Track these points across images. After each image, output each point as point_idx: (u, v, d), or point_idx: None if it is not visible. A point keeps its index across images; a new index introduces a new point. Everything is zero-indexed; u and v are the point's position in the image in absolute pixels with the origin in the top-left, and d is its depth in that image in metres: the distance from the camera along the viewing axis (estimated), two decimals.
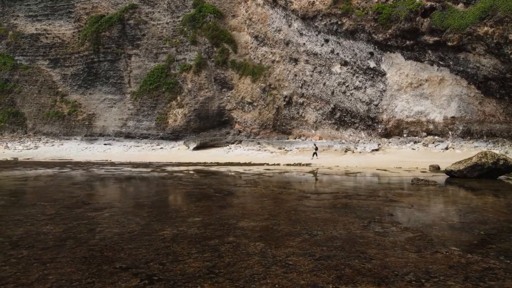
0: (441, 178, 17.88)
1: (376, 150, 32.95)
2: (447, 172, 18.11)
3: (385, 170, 23.33)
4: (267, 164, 29.39)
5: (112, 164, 31.29)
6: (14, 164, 31.81)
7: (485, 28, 26.57)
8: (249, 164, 29.85)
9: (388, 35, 33.92)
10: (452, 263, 5.12)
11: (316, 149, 33.38)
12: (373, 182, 17.18)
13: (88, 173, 22.45)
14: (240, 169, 25.16)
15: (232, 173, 21.89)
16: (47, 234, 7.42)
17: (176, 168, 26.15)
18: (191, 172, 23.40)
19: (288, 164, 29.02)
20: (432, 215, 8.88)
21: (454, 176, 17.61)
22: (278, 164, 29.27)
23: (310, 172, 22.57)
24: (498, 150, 27.14)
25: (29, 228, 8.02)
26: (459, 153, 29.19)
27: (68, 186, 16.09)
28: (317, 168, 25.15)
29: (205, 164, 30.65)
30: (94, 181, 17.77)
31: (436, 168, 23.07)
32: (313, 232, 7.12)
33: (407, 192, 12.82)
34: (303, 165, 28.47)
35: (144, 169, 25.37)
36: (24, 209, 10.22)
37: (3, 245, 6.71)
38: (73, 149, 44.18)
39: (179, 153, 39.29)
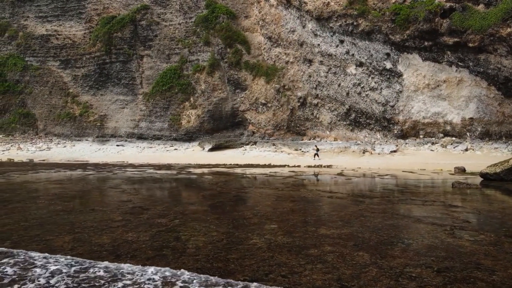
0: (476, 180, 17.90)
1: (394, 151, 32.97)
2: (482, 174, 18.16)
3: (411, 172, 23.37)
4: (288, 166, 29.39)
5: (132, 166, 31.26)
6: (33, 166, 31.74)
7: (508, 29, 26.63)
8: (270, 166, 29.83)
9: (405, 36, 33.91)
10: None
11: (317, 150, 33.64)
12: (411, 184, 17.19)
13: (115, 176, 22.44)
14: (265, 171, 25.18)
15: (261, 176, 21.91)
16: (137, 243, 7.45)
17: (200, 170, 26.15)
18: (218, 174, 23.41)
19: (309, 166, 29.01)
20: (509, 222, 8.89)
21: (490, 179, 17.63)
22: (299, 166, 29.27)
23: (338, 174, 22.57)
24: None
25: (112, 235, 8.05)
26: (479, 154, 29.22)
27: (108, 189, 16.10)
28: (342, 171, 25.16)
29: (225, 165, 30.62)
30: (130, 184, 17.75)
31: (462, 170, 23.06)
32: (404, 240, 7.16)
33: (457, 196, 12.85)
34: (325, 166, 28.48)
35: (169, 171, 25.36)
36: (88, 215, 10.23)
37: (102, 254, 6.74)
38: (86, 150, 44.11)
39: (194, 155, 39.25)
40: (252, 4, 45.08)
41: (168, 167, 29.62)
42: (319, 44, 40.35)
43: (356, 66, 38.41)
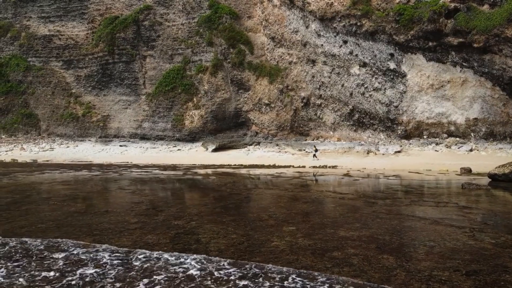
0: (484, 181, 17.90)
1: (399, 152, 32.98)
2: (490, 175, 18.17)
3: (417, 172, 23.38)
4: (293, 167, 29.39)
5: (137, 166, 31.25)
6: (37, 166, 31.72)
7: None
8: (275, 166, 29.84)
9: (409, 36, 33.93)
10: None
11: (316, 150, 33.76)
12: (420, 185, 17.21)
13: (122, 177, 22.43)
14: (270, 171, 25.19)
15: (268, 176, 21.92)
16: (159, 245, 7.47)
17: (205, 171, 26.16)
18: (224, 175, 23.40)
19: (314, 167, 28.99)
20: None
21: (498, 180, 17.64)
22: (304, 166, 29.28)
23: (345, 175, 22.59)
24: None
25: (131, 238, 8.05)
26: (484, 155, 29.25)
27: (118, 190, 16.09)
28: (348, 171, 25.17)
29: (230, 166, 30.63)
30: (139, 185, 17.74)
31: (468, 171, 23.06)
32: (425, 242, 7.18)
33: (468, 197, 12.85)
34: (330, 167, 28.48)
35: (175, 172, 25.36)
36: (103, 217, 10.24)
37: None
38: (89, 151, 44.09)
39: (198, 155, 39.24)
40: (255, 5, 45.07)
41: (173, 167, 29.61)
42: (322, 45, 40.33)
43: (359, 66, 38.41)
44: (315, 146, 34.98)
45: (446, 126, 34.63)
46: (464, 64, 31.78)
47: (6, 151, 43.94)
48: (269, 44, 44.07)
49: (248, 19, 44.97)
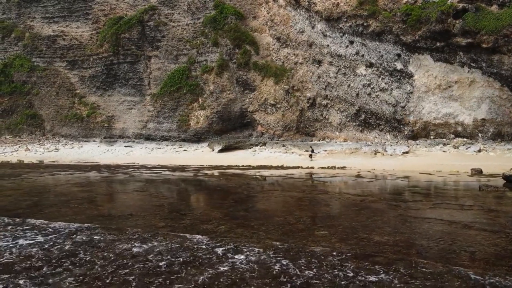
0: (499, 183, 17.87)
1: (407, 152, 32.93)
2: (506, 177, 18.16)
3: (428, 174, 23.36)
4: (301, 167, 29.33)
5: (145, 167, 31.19)
6: (45, 167, 31.65)
7: None
8: (283, 167, 29.80)
9: (417, 37, 33.86)
10: None
11: (312, 151, 33.99)
12: (435, 187, 17.20)
13: (133, 178, 22.38)
14: (280, 172, 25.16)
15: (280, 178, 21.90)
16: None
17: (215, 172, 26.12)
18: (236, 176, 23.37)
19: (322, 167, 28.93)
20: None
21: None
22: (312, 167, 29.23)
23: (356, 176, 22.57)
24: None
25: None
26: (493, 155, 29.22)
27: (134, 192, 16.00)
28: (358, 172, 25.14)
29: (238, 167, 30.57)
30: (153, 187, 17.68)
31: (479, 172, 23.03)
32: (465, 248, 7.16)
33: (490, 199, 12.83)
34: (338, 168, 28.44)
35: (185, 173, 25.31)
36: (130, 221, 10.20)
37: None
38: (95, 151, 44.01)
39: (204, 156, 39.17)
40: (260, 5, 44.99)
41: (182, 168, 29.54)
42: (328, 45, 40.25)
43: (366, 66, 38.33)
44: (311, 147, 35.17)
45: (453, 127, 34.58)
46: (472, 64, 31.73)
47: (11, 152, 43.88)
48: (274, 44, 44.00)
49: (254, 20, 44.90)
